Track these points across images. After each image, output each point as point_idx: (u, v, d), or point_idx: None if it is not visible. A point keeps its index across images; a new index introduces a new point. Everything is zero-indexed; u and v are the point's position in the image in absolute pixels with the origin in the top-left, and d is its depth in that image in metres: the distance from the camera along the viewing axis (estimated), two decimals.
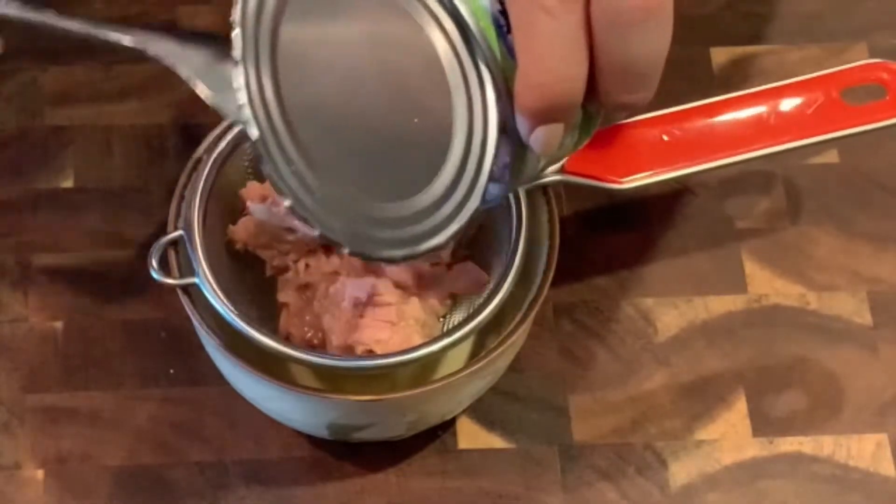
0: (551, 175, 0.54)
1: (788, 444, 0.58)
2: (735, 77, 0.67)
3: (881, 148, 0.65)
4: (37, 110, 0.65)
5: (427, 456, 0.58)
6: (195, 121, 0.64)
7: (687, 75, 0.67)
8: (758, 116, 0.56)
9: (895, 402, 0.59)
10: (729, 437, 0.58)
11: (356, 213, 0.43)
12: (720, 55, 0.68)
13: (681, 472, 0.57)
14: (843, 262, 0.63)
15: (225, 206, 0.55)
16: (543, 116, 0.41)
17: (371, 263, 0.53)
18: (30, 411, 0.58)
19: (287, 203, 0.42)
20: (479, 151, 0.44)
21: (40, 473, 0.56)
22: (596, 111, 0.45)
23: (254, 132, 0.41)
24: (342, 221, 0.43)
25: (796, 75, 0.57)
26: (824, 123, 0.55)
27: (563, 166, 0.54)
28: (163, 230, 0.53)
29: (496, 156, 0.44)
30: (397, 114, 0.43)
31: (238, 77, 0.41)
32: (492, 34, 0.43)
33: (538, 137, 0.42)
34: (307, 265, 0.55)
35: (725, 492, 0.57)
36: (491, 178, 0.45)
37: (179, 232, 0.52)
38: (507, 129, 0.43)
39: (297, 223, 0.53)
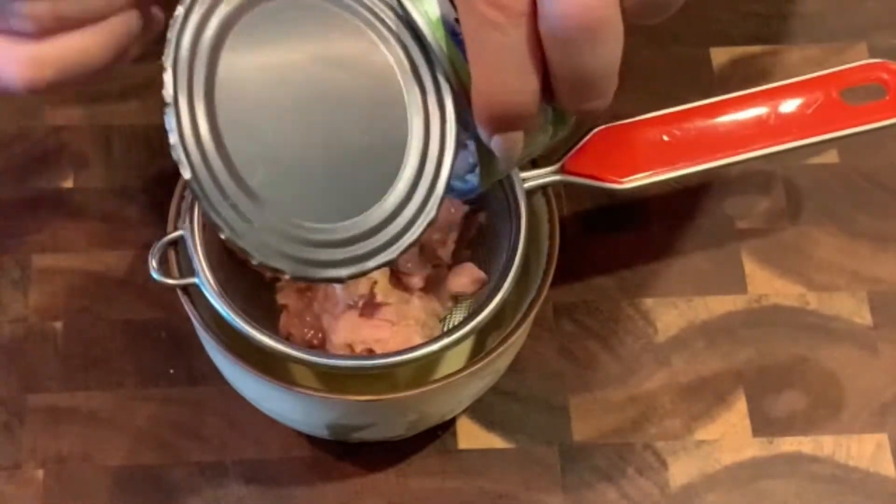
0: (551, 175, 0.54)
1: (788, 444, 0.58)
2: (735, 77, 0.67)
3: (881, 148, 0.65)
4: (37, 110, 0.65)
5: (427, 456, 0.58)
6: None
7: (687, 75, 0.67)
8: (758, 116, 0.56)
9: (895, 402, 0.59)
10: (729, 437, 0.58)
11: (299, 237, 0.42)
12: (720, 55, 0.68)
13: (681, 472, 0.58)
14: (843, 262, 0.63)
15: None
16: (499, 126, 0.42)
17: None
18: (30, 411, 0.58)
19: (223, 236, 0.41)
20: (437, 161, 0.44)
21: (40, 473, 0.56)
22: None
23: (186, 173, 0.41)
24: (284, 247, 0.42)
25: (796, 75, 0.57)
26: (824, 123, 0.55)
27: (562, 166, 0.54)
28: (163, 230, 0.53)
29: (455, 160, 0.44)
30: (346, 133, 0.43)
31: (169, 119, 0.41)
32: (447, 42, 0.43)
33: (498, 144, 0.42)
34: None
35: (725, 492, 0.57)
36: (461, 178, 0.44)
37: (179, 232, 0.52)
38: (471, 131, 0.43)
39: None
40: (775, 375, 0.60)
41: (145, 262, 0.51)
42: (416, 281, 0.55)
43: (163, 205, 0.54)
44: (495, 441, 0.58)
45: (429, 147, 0.44)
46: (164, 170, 0.63)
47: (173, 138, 0.41)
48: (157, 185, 0.63)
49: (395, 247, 0.44)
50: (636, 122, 0.55)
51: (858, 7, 0.70)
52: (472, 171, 0.46)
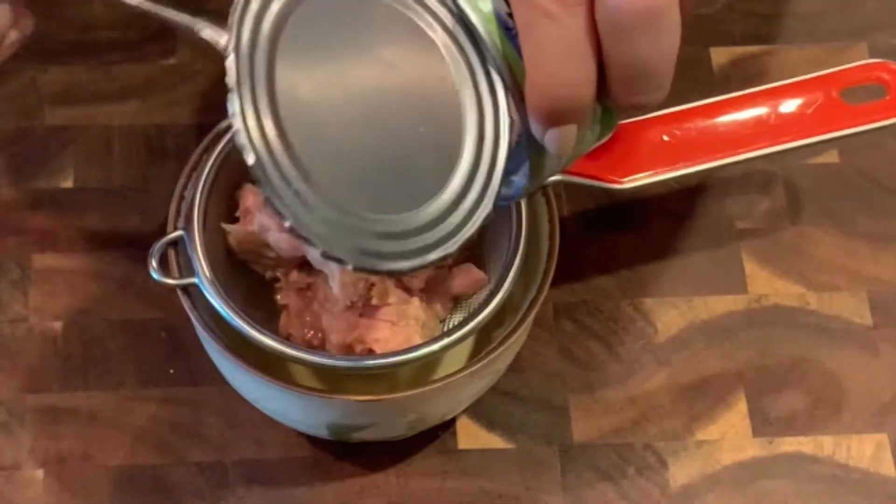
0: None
1: (788, 444, 0.58)
2: (735, 77, 0.67)
3: (881, 148, 0.65)
4: (37, 110, 0.65)
5: (427, 456, 0.58)
6: (195, 121, 0.65)
7: (687, 75, 0.67)
8: (758, 116, 0.56)
9: (895, 402, 0.59)
10: (729, 437, 0.58)
11: (361, 228, 0.42)
12: (720, 55, 0.68)
13: (681, 472, 0.57)
14: (843, 262, 0.63)
15: (225, 206, 0.55)
16: (554, 119, 0.41)
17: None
18: (30, 411, 0.58)
19: (287, 224, 0.41)
20: (491, 155, 0.44)
21: (40, 473, 0.56)
22: (614, 106, 0.45)
23: (250, 158, 0.41)
24: (346, 238, 0.42)
25: (796, 75, 0.57)
26: (824, 123, 0.55)
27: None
28: (163, 230, 0.53)
29: (510, 157, 0.44)
30: (403, 125, 0.43)
31: (233, 104, 0.41)
32: (500, 37, 0.43)
33: (552, 139, 0.42)
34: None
35: (725, 492, 0.57)
36: (507, 180, 0.44)
37: (179, 232, 0.52)
38: (524, 128, 0.43)
39: (271, 243, 0.53)
40: (775, 375, 0.60)
41: (145, 262, 0.51)
42: (417, 281, 0.55)
43: (163, 205, 0.54)
44: (495, 441, 0.58)
45: (483, 141, 0.44)
46: (164, 170, 0.63)
47: (237, 123, 0.41)
48: (157, 185, 0.63)
49: (454, 240, 0.43)
50: (636, 122, 0.55)
51: (858, 7, 0.70)
52: (516, 172, 0.46)
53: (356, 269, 0.42)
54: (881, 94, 0.55)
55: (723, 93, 0.56)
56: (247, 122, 0.41)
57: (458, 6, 0.43)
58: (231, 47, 0.41)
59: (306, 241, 0.41)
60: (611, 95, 0.41)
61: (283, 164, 0.41)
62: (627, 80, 0.41)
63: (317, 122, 0.42)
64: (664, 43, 0.40)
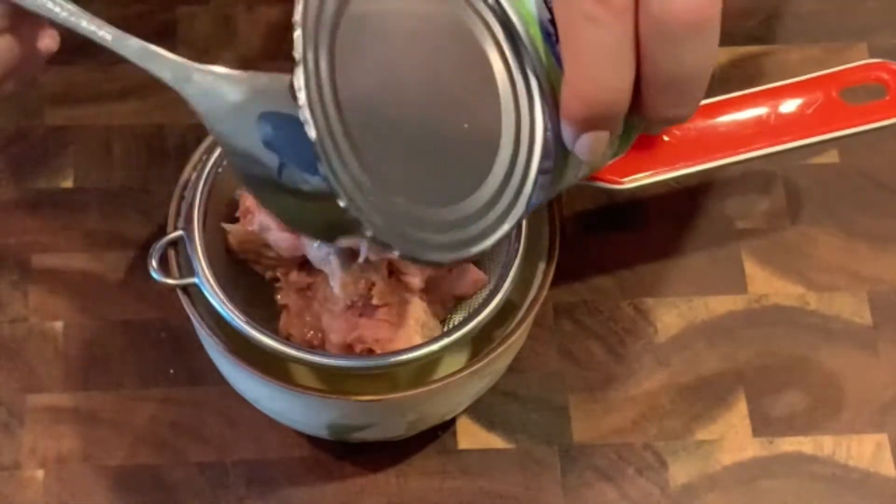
0: None
1: (788, 444, 0.58)
2: (735, 77, 0.67)
3: (881, 148, 0.65)
4: (37, 110, 0.65)
5: (427, 456, 0.58)
6: (195, 121, 0.64)
7: None
8: (758, 116, 0.56)
9: (895, 402, 0.59)
10: (729, 437, 0.58)
11: (407, 216, 0.43)
12: (720, 55, 0.68)
13: (681, 472, 0.58)
14: (843, 262, 0.63)
15: (225, 206, 0.55)
16: (588, 125, 0.42)
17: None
18: (30, 411, 0.58)
19: (342, 204, 0.41)
20: (526, 158, 0.44)
21: (40, 473, 0.56)
22: (638, 121, 0.45)
23: (312, 133, 0.41)
24: (394, 224, 0.42)
25: (796, 75, 0.57)
26: (824, 123, 0.55)
27: None
28: (163, 230, 0.53)
29: (541, 162, 0.44)
30: (447, 119, 0.44)
31: (298, 77, 0.41)
32: (541, 42, 0.43)
33: (583, 145, 0.42)
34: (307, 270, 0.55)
35: (725, 492, 0.57)
36: (536, 184, 0.45)
37: (179, 232, 0.52)
38: (552, 135, 0.44)
39: (271, 243, 0.53)
40: (775, 375, 0.60)
41: (145, 262, 0.51)
42: (417, 281, 0.55)
43: (163, 205, 0.54)
44: (495, 441, 0.58)
45: (520, 142, 0.44)
46: (164, 170, 0.63)
47: (302, 97, 0.41)
48: (157, 185, 0.63)
49: (491, 237, 0.44)
50: None
51: (858, 7, 0.70)
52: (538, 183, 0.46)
53: (402, 256, 0.43)
54: (881, 94, 0.55)
55: (723, 93, 0.56)
56: (311, 97, 0.41)
57: (501, 8, 0.44)
58: (299, 20, 0.41)
59: (357, 222, 0.41)
60: (643, 107, 0.42)
61: (340, 143, 0.41)
62: (664, 90, 0.41)
63: (372, 107, 0.42)
64: (706, 53, 0.40)
